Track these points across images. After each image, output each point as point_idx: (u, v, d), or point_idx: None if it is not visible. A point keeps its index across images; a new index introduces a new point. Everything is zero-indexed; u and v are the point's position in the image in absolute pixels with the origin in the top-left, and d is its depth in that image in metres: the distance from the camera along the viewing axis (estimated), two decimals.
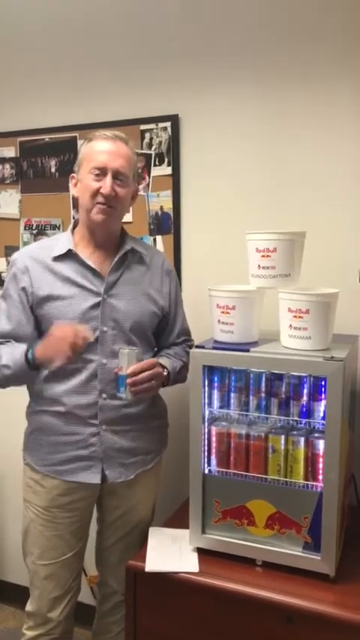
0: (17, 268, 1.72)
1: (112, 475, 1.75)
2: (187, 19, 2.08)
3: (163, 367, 1.74)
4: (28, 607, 1.84)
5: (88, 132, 1.99)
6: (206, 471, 1.68)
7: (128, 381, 1.63)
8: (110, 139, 1.67)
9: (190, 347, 1.89)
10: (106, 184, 1.64)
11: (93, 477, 1.74)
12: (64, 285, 1.69)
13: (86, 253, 1.73)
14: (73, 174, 1.75)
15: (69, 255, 1.71)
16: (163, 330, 1.87)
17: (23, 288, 1.70)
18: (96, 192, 1.65)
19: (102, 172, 1.65)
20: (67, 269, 1.70)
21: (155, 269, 1.83)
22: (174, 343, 1.90)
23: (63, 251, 1.71)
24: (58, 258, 1.71)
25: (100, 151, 1.66)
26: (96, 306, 1.70)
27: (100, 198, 1.65)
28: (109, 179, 1.64)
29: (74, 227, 1.79)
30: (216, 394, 1.68)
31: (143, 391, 1.66)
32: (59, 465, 1.73)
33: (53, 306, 1.68)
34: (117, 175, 1.65)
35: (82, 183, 1.68)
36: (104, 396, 1.71)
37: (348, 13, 1.86)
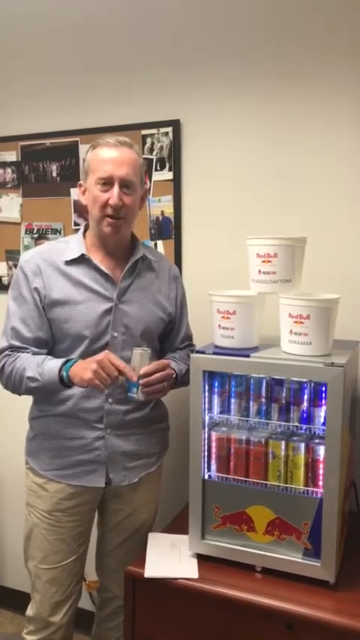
0: (29, 269, 1.69)
1: (116, 478, 1.76)
2: (189, 25, 2.09)
3: (172, 369, 1.74)
4: (29, 612, 1.83)
5: (90, 137, 2.00)
6: (206, 477, 1.67)
7: (141, 381, 1.62)
8: (113, 146, 1.66)
9: (193, 351, 1.89)
10: (114, 195, 1.63)
11: (98, 481, 1.74)
12: (76, 289, 1.68)
13: (97, 259, 1.72)
14: (80, 183, 1.74)
15: (82, 260, 1.71)
16: (168, 335, 1.88)
17: (36, 289, 1.68)
18: (105, 204, 1.64)
19: (108, 182, 1.64)
20: (79, 273, 1.70)
21: (163, 275, 1.84)
22: (177, 348, 1.91)
23: (76, 255, 1.70)
24: (71, 262, 1.70)
25: (105, 159, 1.64)
26: (108, 311, 1.69)
27: (109, 210, 1.64)
28: (116, 189, 1.63)
29: (85, 231, 1.79)
30: (216, 399, 1.68)
31: (155, 392, 1.66)
32: (64, 469, 1.73)
33: (65, 309, 1.67)
34: (123, 184, 1.64)
35: (90, 193, 1.67)
36: (110, 400, 1.71)
37: (347, 16, 1.87)
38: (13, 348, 1.70)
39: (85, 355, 1.68)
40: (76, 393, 1.70)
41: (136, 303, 1.74)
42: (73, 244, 1.74)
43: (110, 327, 1.69)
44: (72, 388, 1.65)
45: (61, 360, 1.64)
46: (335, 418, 1.48)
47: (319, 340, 1.54)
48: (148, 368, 1.63)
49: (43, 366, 1.63)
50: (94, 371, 1.55)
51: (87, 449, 1.73)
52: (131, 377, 1.59)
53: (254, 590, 1.53)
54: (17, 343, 1.69)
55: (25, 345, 1.69)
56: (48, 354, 1.72)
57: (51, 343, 1.72)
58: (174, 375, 1.74)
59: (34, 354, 1.69)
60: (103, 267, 1.71)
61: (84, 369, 1.57)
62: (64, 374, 1.60)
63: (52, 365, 1.63)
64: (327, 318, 1.54)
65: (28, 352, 1.69)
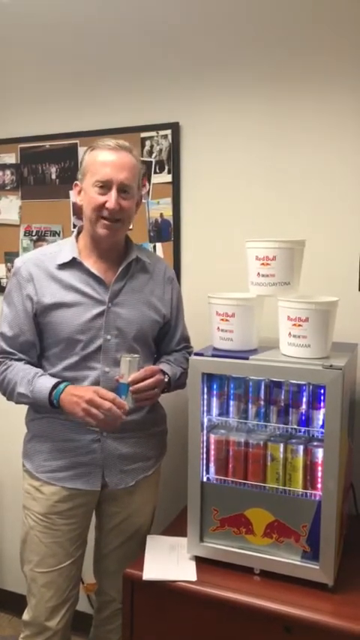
0: (21, 276, 1.71)
1: (112, 481, 1.75)
2: (188, 28, 2.09)
3: (164, 374, 1.74)
4: (25, 616, 1.83)
5: (89, 139, 2.00)
6: (204, 479, 1.67)
7: (131, 389, 1.63)
8: (113, 149, 1.65)
9: (190, 353, 1.89)
10: (112, 199, 1.62)
11: (93, 484, 1.73)
12: (68, 293, 1.69)
13: (90, 261, 1.73)
14: (76, 182, 1.73)
15: (73, 263, 1.71)
16: (163, 337, 1.88)
17: (28, 296, 1.69)
18: (101, 207, 1.64)
19: (106, 186, 1.63)
20: (71, 277, 1.70)
21: (157, 277, 1.83)
22: (174, 350, 1.90)
23: (67, 259, 1.70)
24: (63, 266, 1.70)
25: (104, 162, 1.64)
26: (100, 314, 1.69)
27: (105, 213, 1.64)
28: (113, 193, 1.63)
29: (78, 234, 1.79)
30: (215, 402, 1.68)
31: (145, 399, 1.67)
32: (59, 472, 1.73)
33: (58, 314, 1.68)
34: (122, 188, 1.64)
35: (86, 195, 1.67)
36: None
37: (347, 17, 1.87)
38: (3, 353, 1.72)
39: (79, 359, 1.68)
40: None
41: (128, 305, 1.74)
42: (66, 248, 1.74)
43: (103, 330, 1.69)
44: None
45: (51, 382, 1.65)
46: (334, 421, 1.48)
47: (318, 343, 1.54)
48: (136, 375, 1.64)
49: (34, 384, 1.65)
50: (85, 410, 1.57)
51: (83, 451, 1.72)
52: (123, 406, 1.60)
53: (253, 592, 1.53)
54: (6, 347, 1.72)
55: (12, 351, 1.72)
56: (39, 357, 1.74)
57: (38, 348, 1.73)
58: (166, 380, 1.74)
59: (25, 362, 1.71)
60: (94, 270, 1.71)
61: (74, 405, 1.59)
62: (55, 401, 1.62)
63: (42, 386, 1.64)
64: (326, 321, 1.54)
65: (16, 358, 1.71)
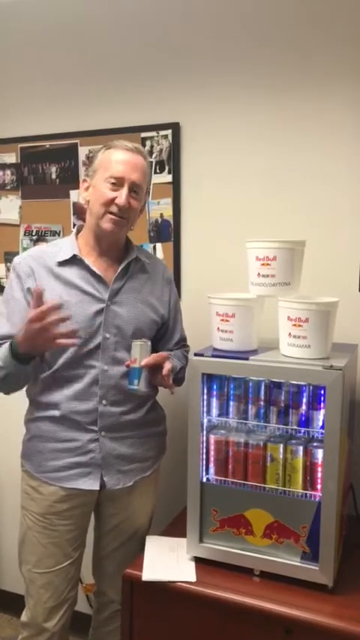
0: (21, 270, 1.70)
1: (110, 482, 1.75)
2: (188, 28, 2.09)
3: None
4: (23, 617, 1.82)
5: (89, 139, 2.01)
6: (204, 480, 1.67)
7: (143, 372, 1.64)
8: (130, 150, 1.67)
9: (187, 351, 1.90)
10: (122, 196, 1.64)
11: (92, 484, 1.73)
12: (68, 289, 1.68)
13: (90, 259, 1.73)
14: (85, 178, 1.74)
15: (73, 261, 1.71)
16: (161, 338, 1.88)
17: (29, 290, 1.68)
18: (110, 202, 1.65)
19: (119, 183, 1.65)
20: (71, 274, 1.70)
21: (156, 278, 1.83)
22: (171, 350, 1.90)
23: (68, 256, 1.70)
24: (63, 263, 1.70)
25: (119, 161, 1.66)
26: (99, 312, 1.69)
27: (113, 209, 1.65)
28: (125, 191, 1.64)
29: (77, 232, 1.79)
30: (215, 402, 1.68)
31: (157, 383, 1.69)
32: (58, 472, 1.72)
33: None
34: (133, 187, 1.66)
35: (96, 190, 1.68)
36: (104, 402, 1.71)
37: (345, 18, 1.87)
38: None
39: (76, 356, 1.68)
40: (69, 395, 1.70)
41: (127, 304, 1.74)
42: (65, 245, 1.74)
43: (102, 329, 1.69)
44: (35, 362, 1.66)
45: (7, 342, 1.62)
46: (334, 421, 1.48)
47: (318, 343, 1.54)
48: (148, 360, 1.64)
49: (2, 350, 1.62)
50: (33, 337, 1.52)
51: (81, 451, 1.72)
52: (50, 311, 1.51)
53: (252, 593, 1.53)
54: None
55: (4, 341, 1.68)
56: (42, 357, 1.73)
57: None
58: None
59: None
60: (94, 268, 1.71)
61: (27, 339, 1.55)
62: (16, 350, 1.58)
63: (3, 349, 1.62)
64: (326, 322, 1.54)
65: None
